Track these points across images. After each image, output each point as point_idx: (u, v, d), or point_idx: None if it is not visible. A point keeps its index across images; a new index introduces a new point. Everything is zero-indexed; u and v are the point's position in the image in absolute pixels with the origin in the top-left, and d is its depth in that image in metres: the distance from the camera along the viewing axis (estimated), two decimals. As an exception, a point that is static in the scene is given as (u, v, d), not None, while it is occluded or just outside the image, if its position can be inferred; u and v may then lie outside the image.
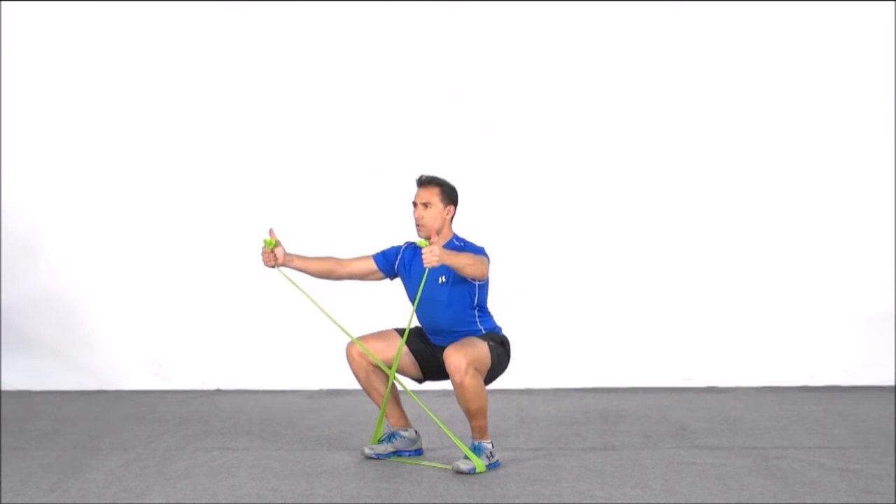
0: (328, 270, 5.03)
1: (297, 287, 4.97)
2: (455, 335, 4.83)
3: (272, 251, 4.91)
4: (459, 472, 4.66)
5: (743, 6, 6.84)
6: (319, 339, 6.82)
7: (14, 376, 6.90)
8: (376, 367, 4.91)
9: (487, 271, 4.80)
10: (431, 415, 4.82)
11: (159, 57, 6.92)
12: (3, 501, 4.29)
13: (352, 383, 6.74)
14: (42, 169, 6.94)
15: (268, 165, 6.93)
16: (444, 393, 6.05)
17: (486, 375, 4.78)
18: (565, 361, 6.88)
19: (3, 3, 6.90)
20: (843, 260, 6.88)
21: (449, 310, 4.83)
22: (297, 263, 4.98)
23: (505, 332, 4.99)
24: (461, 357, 4.62)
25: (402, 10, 6.86)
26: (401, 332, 4.96)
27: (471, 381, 4.64)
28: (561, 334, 6.88)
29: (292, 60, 6.91)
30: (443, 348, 4.80)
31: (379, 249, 5.05)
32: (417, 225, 4.87)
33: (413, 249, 4.98)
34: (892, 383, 6.80)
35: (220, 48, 6.92)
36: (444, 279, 4.82)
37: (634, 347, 6.89)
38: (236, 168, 6.93)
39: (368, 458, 4.94)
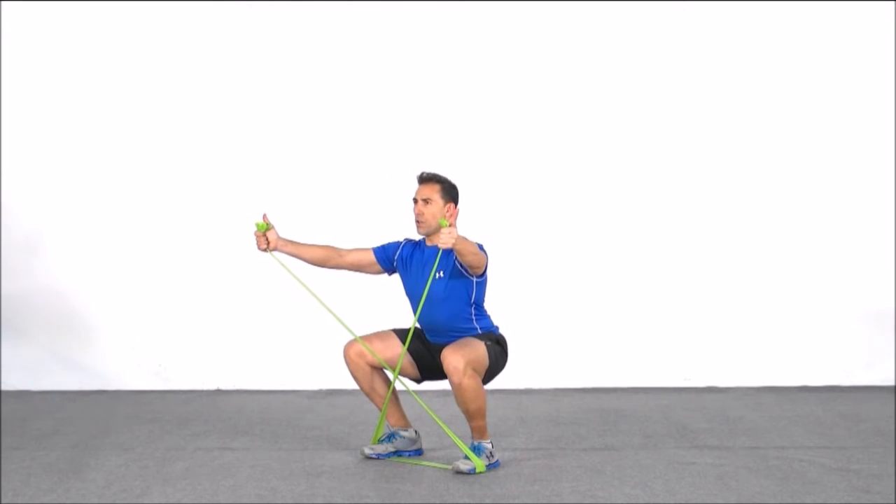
0: (324, 258, 5.02)
1: (292, 274, 4.98)
2: (452, 334, 4.82)
3: (264, 234, 4.93)
4: (459, 472, 4.66)
5: (743, 6, 6.85)
6: (319, 339, 6.83)
7: (14, 376, 6.90)
8: (376, 368, 4.91)
9: (485, 266, 4.80)
10: (432, 414, 4.82)
11: (159, 56, 6.92)
12: (3, 501, 4.29)
13: (352, 383, 6.78)
14: (43, 168, 6.94)
15: (268, 165, 6.93)
16: (444, 393, 6.04)
17: (485, 375, 4.78)
18: (565, 361, 6.88)
19: (3, 3, 6.90)
20: (843, 259, 6.89)
21: (446, 305, 4.82)
22: (291, 249, 4.98)
23: (505, 331, 4.99)
24: (459, 357, 4.61)
25: (403, 9, 6.86)
26: (400, 333, 4.96)
27: (469, 382, 4.63)
28: (560, 334, 6.88)
29: (292, 58, 6.91)
30: (440, 347, 4.80)
31: (379, 244, 5.05)
32: (417, 221, 4.86)
33: (412, 246, 4.98)
34: (892, 383, 6.81)
35: (220, 46, 6.92)
36: (441, 274, 4.82)
37: (634, 347, 6.89)
38: (236, 168, 6.93)
39: (368, 458, 4.94)
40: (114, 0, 6.87)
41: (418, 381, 5.04)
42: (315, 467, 4.79)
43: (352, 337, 4.93)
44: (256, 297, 6.91)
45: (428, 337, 4.95)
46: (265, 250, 4.95)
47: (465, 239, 4.63)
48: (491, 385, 4.86)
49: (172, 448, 5.20)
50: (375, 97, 6.88)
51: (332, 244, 5.05)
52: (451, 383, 4.65)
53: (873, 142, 6.87)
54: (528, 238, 6.85)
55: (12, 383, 6.89)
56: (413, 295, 4.96)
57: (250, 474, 4.67)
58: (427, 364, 4.94)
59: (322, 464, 4.85)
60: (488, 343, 4.79)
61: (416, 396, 4.88)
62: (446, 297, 4.81)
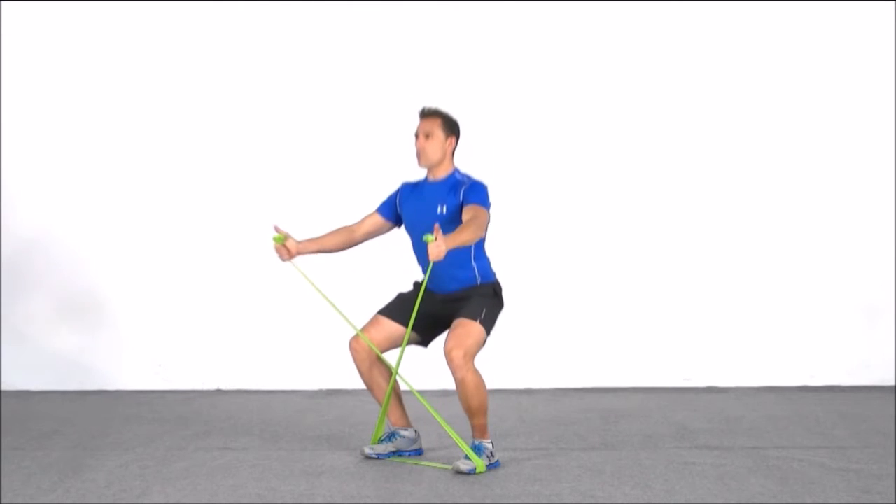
0: (344, 241, 5.03)
1: (312, 283, 4.96)
2: (451, 283, 4.81)
3: (283, 245, 4.91)
4: (459, 472, 4.66)
5: (743, 6, 6.85)
6: (319, 339, 6.84)
7: (14, 376, 6.90)
8: (378, 360, 4.91)
9: (487, 223, 4.77)
10: (433, 413, 4.81)
11: (159, 55, 6.92)
12: (3, 501, 4.29)
13: (352, 383, 6.78)
14: (43, 169, 6.94)
15: (267, 164, 6.93)
16: (444, 393, 6.05)
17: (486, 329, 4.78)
18: (565, 361, 6.88)
19: (2, 3, 6.90)
20: (843, 259, 6.89)
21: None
22: (312, 247, 4.98)
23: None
24: (460, 351, 4.62)
25: (404, 9, 6.86)
26: (386, 311, 4.95)
27: (472, 378, 4.66)
28: (561, 334, 6.88)
29: (291, 57, 6.92)
30: (438, 297, 4.81)
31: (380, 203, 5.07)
32: (419, 155, 4.88)
33: (411, 186, 5.00)
34: (892, 383, 6.81)
35: (220, 45, 6.92)
36: (443, 209, 4.82)
37: (634, 347, 6.89)
38: (236, 168, 6.93)
39: (368, 458, 4.93)
40: (114, 0, 6.88)
41: (425, 345, 5.02)
42: (315, 467, 4.79)
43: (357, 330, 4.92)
44: (256, 296, 6.91)
45: (428, 284, 4.90)
46: (288, 260, 4.93)
47: (459, 234, 4.61)
48: (491, 385, 4.85)
49: (172, 448, 5.20)
50: (376, 96, 6.88)
51: (343, 225, 5.05)
52: (454, 378, 4.67)
53: (873, 141, 6.87)
54: (528, 238, 6.85)
55: (12, 383, 6.89)
56: (412, 227, 4.93)
57: (250, 474, 4.67)
58: (426, 323, 4.89)
59: (322, 464, 4.85)
60: (482, 316, 4.75)
61: (418, 395, 4.87)
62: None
